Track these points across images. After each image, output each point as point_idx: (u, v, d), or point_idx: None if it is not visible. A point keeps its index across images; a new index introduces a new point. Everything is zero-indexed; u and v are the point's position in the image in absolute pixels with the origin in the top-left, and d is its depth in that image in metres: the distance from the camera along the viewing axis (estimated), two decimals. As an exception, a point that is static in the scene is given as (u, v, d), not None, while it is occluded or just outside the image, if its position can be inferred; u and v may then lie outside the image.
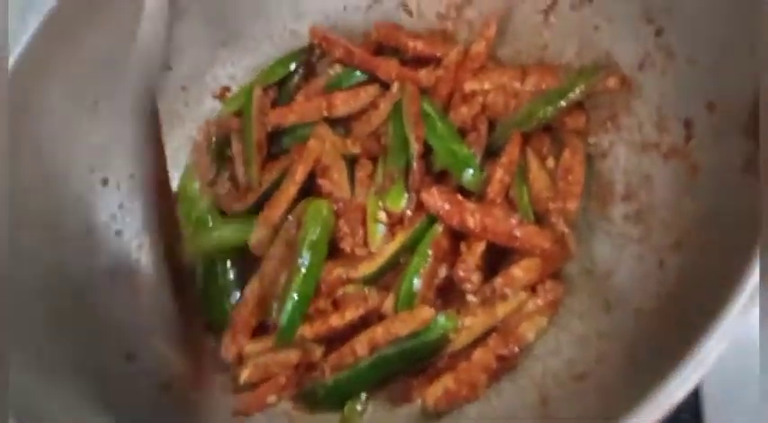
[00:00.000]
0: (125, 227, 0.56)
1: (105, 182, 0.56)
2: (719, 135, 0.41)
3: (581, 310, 0.45)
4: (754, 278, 0.28)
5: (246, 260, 0.54)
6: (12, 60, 0.50)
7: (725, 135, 0.40)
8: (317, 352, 0.48)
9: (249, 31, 0.64)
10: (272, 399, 0.48)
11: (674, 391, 0.27)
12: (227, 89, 0.64)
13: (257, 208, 0.55)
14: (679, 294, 0.39)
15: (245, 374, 0.49)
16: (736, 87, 0.40)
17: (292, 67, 0.62)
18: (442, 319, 0.46)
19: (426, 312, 0.45)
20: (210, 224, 0.56)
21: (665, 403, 0.26)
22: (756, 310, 0.28)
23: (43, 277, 0.48)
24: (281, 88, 0.62)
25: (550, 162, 0.52)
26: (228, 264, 0.55)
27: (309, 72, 0.63)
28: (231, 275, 0.54)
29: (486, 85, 0.56)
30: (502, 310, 0.45)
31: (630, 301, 0.42)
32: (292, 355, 0.48)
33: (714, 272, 0.35)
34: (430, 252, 0.49)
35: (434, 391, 0.43)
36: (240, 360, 0.50)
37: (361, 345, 0.46)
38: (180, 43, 0.61)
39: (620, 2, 0.51)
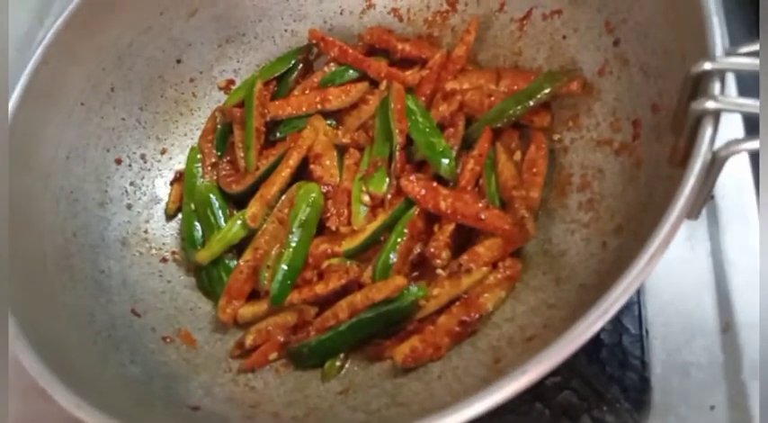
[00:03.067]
0: (135, 201, 0.62)
1: (119, 161, 0.62)
2: (660, 133, 0.47)
3: (535, 284, 0.51)
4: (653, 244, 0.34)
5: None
6: (38, 50, 0.56)
7: (662, 133, 0.46)
8: (311, 312, 0.54)
9: (253, 30, 0.70)
10: (273, 356, 0.53)
11: (583, 332, 0.33)
12: (231, 82, 0.70)
13: (254, 189, 0.61)
14: (614, 272, 0.45)
15: (249, 339, 0.54)
16: (672, 90, 0.46)
17: (291, 63, 0.68)
18: (414, 288, 0.51)
19: (399, 280, 0.51)
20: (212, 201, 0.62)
21: (579, 339, 0.33)
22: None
23: (63, 244, 0.54)
24: (280, 82, 0.68)
25: (518, 155, 0.58)
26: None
27: (307, 69, 0.69)
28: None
29: (465, 86, 0.62)
30: (466, 282, 0.51)
31: (577, 277, 0.48)
32: (289, 317, 0.54)
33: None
34: (406, 231, 0.54)
35: (402, 350, 0.49)
36: (235, 321, 0.56)
37: (342, 309, 0.52)
38: (190, 40, 0.67)
39: (585, 14, 0.57)
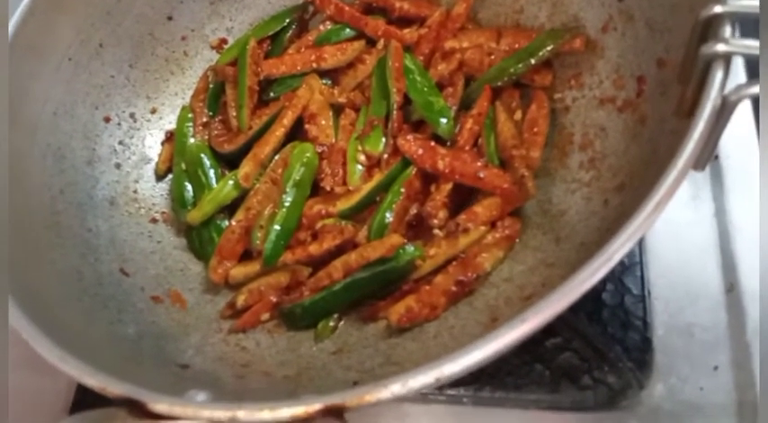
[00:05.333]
0: (124, 161, 0.61)
1: (107, 119, 0.61)
2: (665, 88, 0.46)
3: (534, 244, 0.50)
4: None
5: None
6: (24, 3, 0.54)
7: (668, 87, 0.45)
8: (305, 272, 0.53)
9: (247, -14, 0.68)
10: (265, 316, 0.52)
11: (585, 280, 0.32)
12: (224, 41, 0.68)
13: (246, 149, 0.59)
14: (615, 229, 0.44)
15: (241, 300, 0.53)
16: (679, 44, 0.44)
17: (286, 22, 0.66)
18: (410, 247, 0.50)
19: (395, 239, 0.50)
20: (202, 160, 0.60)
21: (580, 288, 0.31)
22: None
23: (49, 201, 0.53)
24: (274, 41, 0.66)
25: (518, 115, 0.56)
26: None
27: (302, 28, 0.67)
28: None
29: (465, 44, 0.60)
30: (463, 242, 0.50)
31: (577, 235, 0.47)
32: (282, 277, 0.53)
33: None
34: (403, 190, 0.53)
35: (397, 310, 0.48)
36: (226, 282, 0.54)
37: (336, 269, 0.51)
38: (182, -4, 0.65)
39: (590, -31, 0.55)
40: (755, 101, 0.34)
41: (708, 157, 0.36)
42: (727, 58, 0.35)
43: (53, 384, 0.55)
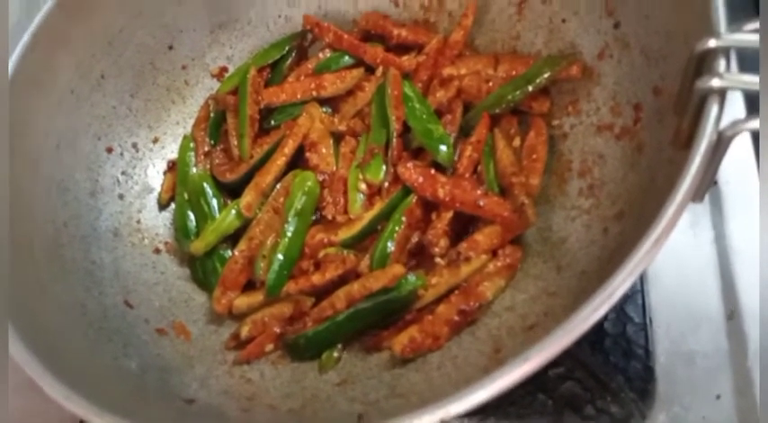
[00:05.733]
0: (127, 191, 0.61)
1: (110, 150, 0.61)
2: (662, 116, 0.46)
3: (535, 272, 0.50)
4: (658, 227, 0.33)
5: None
6: (26, 36, 0.55)
7: (665, 115, 0.45)
8: (308, 302, 0.53)
9: (246, 16, 0.68)
10: (269, 347, 0.52)
11: (587, 317, 0.32)
12: (224, 69, 0.69)
13: (248, 178, 0.60)
14: (617, 258, 0.44)
15: (245, 331, 0.53)
16: (675, 72, 0.44)
17: (285, 50, 0.67)
18: (412, 277, 0.50)
19: (397, 269, 0.50)
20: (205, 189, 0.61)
21: (583, 325, 0.32)
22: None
23: (53, 234, 0.53)
24: (274, 69, 0.66)
25: (517, 141, 0.57)
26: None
27: (301, 55, 0.68)
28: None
29: (463, 71, 0.61)
30: (465, 270, 0.50)
31: (578, 264, 0.47)
32: (285, 308, 0.53)
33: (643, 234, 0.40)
34: (404, 219, 0.53)
35: (401, 340, 0.48)
36: (230, 312, 0.55)
37: (339, 299, 0.51)
38: (181, 25, 0.66)
39: (585, -3, 0.56)
40: (754, 134, 0.35)
41: (706, 188, 0.37)
42: (722, 93, 0.35)
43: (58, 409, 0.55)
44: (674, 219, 0.34)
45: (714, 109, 0.35)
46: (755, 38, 0.36)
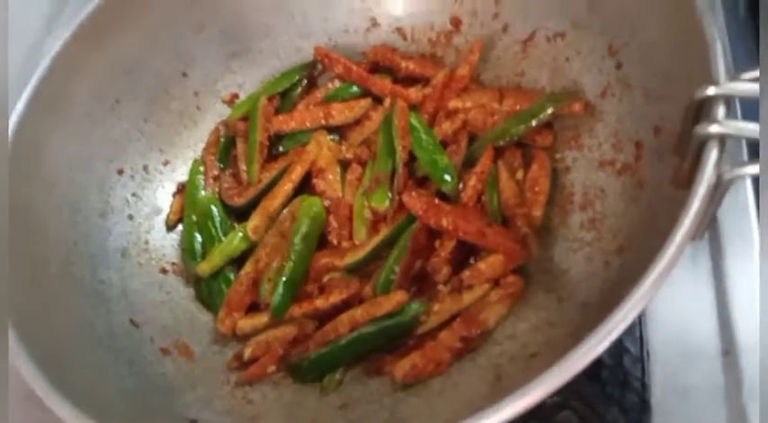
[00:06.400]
0: (136, 212, 0.62)
1: (121, 172, 0.62)
2: (662, 154, 0.48)
3: (537, 302, 0.51)
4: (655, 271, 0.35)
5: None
6: (45, 62, 0.57)
7: (664, 154, 0.47)
8: (311, 325, 0.54)
9: (258, 46, 0.71)
10: (271, 368, 0.53)
11: (586, 354, 0.33)
12: (235, 96, 0.70)
13: (256, 202, 0.61)
14: (617, 292, 0.45)
15: (248, 352, 0.54)
16: (674, 113, 0.46)
17: (296, 79, 0.68)
18: (415, 304, 0.51)
19: (400, 295, 0.51)
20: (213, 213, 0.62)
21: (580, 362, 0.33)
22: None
23: (64, 253, 0.54)
24: (284, 98, 0.68)
25: (520, 174, 0.58)
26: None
27: (311, 85, 0.70)
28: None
29: (468, 104, 0.62)
30: (467, 298, 0.51)
31: (579, 295, 0.49)
32: (289, 330, 0.54)
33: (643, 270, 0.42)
34: (408, 246, 0.55)
35: (403, 366, 0.49)
36: (233, 333, 0.55)
37: (342, 324, 0.52)
38: (196, 54, 0.68)
39: (589, 37, 0.58)
40: (755, 179, 0.36)
41: (705, 228, 0.38)
42: (721, 139, 0.37)
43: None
44: (673, 258, 0.35)
45: (713, 154, 0.36)
46: (754, 87, 0.37)
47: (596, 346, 0.33)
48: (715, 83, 0.38)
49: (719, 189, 0.36)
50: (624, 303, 0.34)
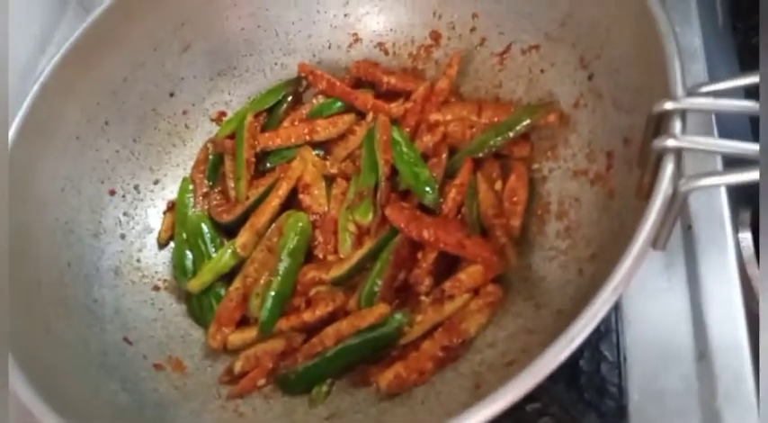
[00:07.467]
0: (128, 231, 0.64)
1: (113, 192, 0.64)
2: (631, 165, 0.49)
3: (516, 310, 0.52)
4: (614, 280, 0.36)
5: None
6: (36, 86, 0.58)
7: (633, 165, 0.48)
8: (299, 338, 0.55)
9: (244, 64, 0.72)
10: (261, 382, 0.55)
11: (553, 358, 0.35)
12: (223, 114, 0.72)
13: (244, 219, 0.63)
14: (588, 299, 0.47)
15: (238, 366, 0.55)
16: (642, 125, 0.48)
17: (281, 96, 0.70)
18: (398, 315, 0.53)
19: (382, 308, 0.53)
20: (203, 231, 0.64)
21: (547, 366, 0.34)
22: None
23: (57, 274, 0.56)
24: (270, 114, 0.70)
25: (499, 185, 0.60)
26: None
27: (296, 101, 0.71)
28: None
29: (448, 117, 0.64)
30: (449, 308, 0.53)
31: (555, 303, 0.50)
32: (277, 344, 0.56)
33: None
34: (391, 258, 0.56)
35: (387, 376, 0.50)
36: (224, 348, 0.57)
37: (328, 336, 0.54)
38: (183, 74, 0.70)
39: (562, 49, 0.59)
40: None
41: (666, 237, 0.39)
42: (677, 152, 0.38)
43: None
44: (633, 266, 0.37)
45: (669, 166, 0.38)
46: (710, 101, 0.39)
47: (560, 352, 0.35)
48: (673, 98, 0.40)
49: (676, 201, 0.37)
50: (586, 310, 0.35)
